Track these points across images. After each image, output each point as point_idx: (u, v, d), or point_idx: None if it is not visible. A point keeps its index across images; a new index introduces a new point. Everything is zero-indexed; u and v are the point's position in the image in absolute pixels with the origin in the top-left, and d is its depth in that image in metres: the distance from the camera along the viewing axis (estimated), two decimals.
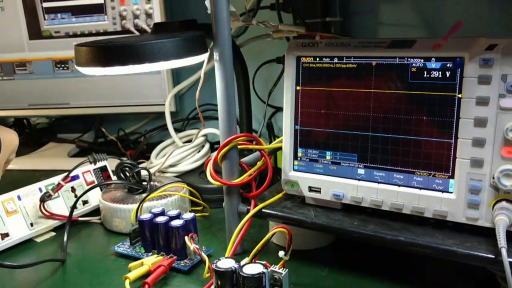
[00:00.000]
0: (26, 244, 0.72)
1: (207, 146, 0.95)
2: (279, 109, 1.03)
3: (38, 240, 0.74)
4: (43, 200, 0.73)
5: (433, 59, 0.53)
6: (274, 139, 1.00)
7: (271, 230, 0.55)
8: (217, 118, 1.08)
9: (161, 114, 1.12)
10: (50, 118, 1.31)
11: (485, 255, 0.49)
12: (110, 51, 0.55)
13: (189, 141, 0.97)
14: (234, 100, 0.61)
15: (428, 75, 0.53)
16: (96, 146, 1.18)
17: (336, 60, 0.59)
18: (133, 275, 0.58)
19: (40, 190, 0.75)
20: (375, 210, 0.59)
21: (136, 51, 0.55)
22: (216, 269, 0.50)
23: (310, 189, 0.62)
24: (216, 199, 0.81)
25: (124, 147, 1.14)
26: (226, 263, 0.50)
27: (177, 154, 0.90)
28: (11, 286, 0.62)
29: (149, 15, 1.01)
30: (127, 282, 0.57)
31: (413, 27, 0.85)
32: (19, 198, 0.73)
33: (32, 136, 1.28)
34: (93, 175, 0.84)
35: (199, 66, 1.01)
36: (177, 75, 1.09)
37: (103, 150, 1.11)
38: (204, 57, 0.61)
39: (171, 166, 0.90)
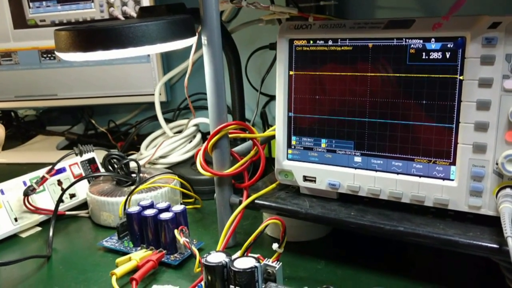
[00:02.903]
0: (11, 239, 0.70)
1: (198, 136, 0.92)
2: (273, 98, 1.00)
3: (23, 235, 0.71)
4: (26, 194, 0.70)
5: (433, 39, 0.50)
6: (268, 128, 0.97)
7: (264, 221, 0.53)
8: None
9: (152, 105, 1.09)
10: (37, 110, 1.28)
11: (489, 245, 0.47)
12: (91, 35, 0.52)
13: (181, 131, 0.94)
14: (224, 86, 0.58)
15: (427, 57, 0.51)
16: (86, 138, 1.15)
17: (330, 42, 0.56)
18: (120, 271, 0.55)
19: (25, 183, 0.73)
20: (372, 199, 0.56)
21: (119, 35, 0.52)
22: (206, 263, 0.47)
23: (305, 178, 0.59)
24: (208, 190, 0.78)
25: (115, 139, 1.11)
26: (216, 257, 0.48)
27: (167, 144, 0.87)
28: None
29: (137, 2, 0.98)
30: (113, 279, 0.54)
31: (412, 10, 0.82)
32: (2, 192, 0.70)
33: (20, 129, 1.24)
34: (80, 167, 0.81)
35: (190, 54, 0.98)
36: (167, 64, 1.06)
37: (92, 142, 1.08)
38: (191, 41, 0.58)
39: (161, 157, 0.87)
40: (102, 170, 0.83)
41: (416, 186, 0.53)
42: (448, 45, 0.49)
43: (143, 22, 0.52)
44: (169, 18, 0.55)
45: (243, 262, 0.46)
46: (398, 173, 0.54)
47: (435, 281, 0.53)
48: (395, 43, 0.52)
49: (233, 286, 0.46)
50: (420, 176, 0.53)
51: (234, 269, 0.46)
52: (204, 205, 0.77)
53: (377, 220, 0.53)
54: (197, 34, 0.60)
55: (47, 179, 0.72)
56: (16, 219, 0.70)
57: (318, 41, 0.56)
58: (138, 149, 0.98)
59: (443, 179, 0.52)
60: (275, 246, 0.54)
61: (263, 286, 0.47)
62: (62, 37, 0.53)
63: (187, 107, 1.10)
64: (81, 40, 0.52)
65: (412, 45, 0.51)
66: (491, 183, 0.49)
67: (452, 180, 0.51)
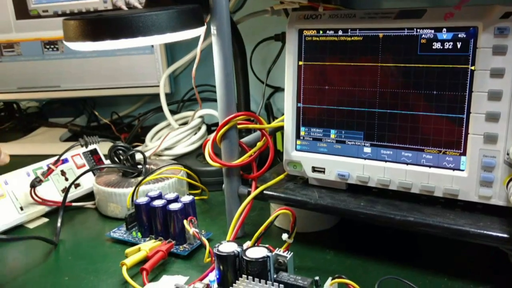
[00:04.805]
0: (18, 230, 0.70)
1: (203, 128, 0.92)
2: (278, 89, 1.00)
3: (30, 226, 0.71)
4: (33, 185, 0.70)
5: (445, 29, 0.50)
6: (273, 120, 0.97)
7: (274, 212, 0.53)
8: (213, 99, 1.05)
9: (155, 96, 1.09)
10: (40, 101, 1.27)
11: (499, 234, 0.47)
12: (100, 24, 0.52)
13: (185, 123, 0.94)
14: (233, 77, 0.58)
15: (438, 47, 0.51)
16: (89, 130, 1.15)
17: (340, 32, 0.56)
18: (130, 261, 0.55)
19: (28, 174, 0.73)
20: (381, 190, 0.57)
21: (129, 24, 0.51)
22: (218, 253, 0.47)
23: (314, 169, 0.59)
24: (214, 182, 0.78)
25: (118, 130, 1.11)
26: (228, 247, 0.48)
27: (173, 136, 0.87)
28: (1, 272, 0.59)
29: None
30: (124, 269, 0.54)
31: (418, 1, 0.82)
32: (5, 182, 0.70)
33: (22, 121, 1.24)
34: (83, 158, 0.81)
35: (193, 45, 0.98)
36: (171, 55, 1.06)
37: (96, 134, 1.08)
38: (200, 31, 0.58)
39: (166, 149, 0.87)
40: (104, 160, 0.83)
41: (426, 176, 0.53)
42: (460, 35, 0.49)
43: (153, 12, 0.52)
44: (179, 7, 0.54)
45: (255, 252, 0.47)
46: (407, 164, 0.54)
47: (443, 270, 0.54)
48: (406, 33, 0.52)
49: (245, 276, 0.46)
50: (430, 166, 0.53)
51: (246, 258, 0.46)
52: (210, 196, 0.77)
53: (386, 210, 0.53)
54: (205, 24, 0.59)
55: (53, 170, 0.72)
56: (21, 208, 0.70)
57: (328, 31, 0.56)
58: (142, 141, 0.98)
59: (453, 169, 0.52)
60: (285, 236, 0.54)
61: (274, 276, 0.47)
62: (71, 27, 0.53)
63: (190, 98, 1.10)
64: (91, 30, 0.52)
65: (423, 35, 0.51)
66: (501, 173, 0.49)
67: (463, 170, 0.51)
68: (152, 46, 1.00)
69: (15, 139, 1.15)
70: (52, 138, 1.13)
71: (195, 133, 0.91)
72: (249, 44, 0.91)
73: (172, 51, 1.07)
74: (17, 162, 0.92)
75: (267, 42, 0.95)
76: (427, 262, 0.56)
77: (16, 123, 1.24)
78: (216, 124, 1.01)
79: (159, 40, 0.54)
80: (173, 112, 1.01)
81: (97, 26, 0.52)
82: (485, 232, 0.48)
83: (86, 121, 1.21)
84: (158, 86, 0.99)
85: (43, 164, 0.74)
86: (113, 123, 1.13)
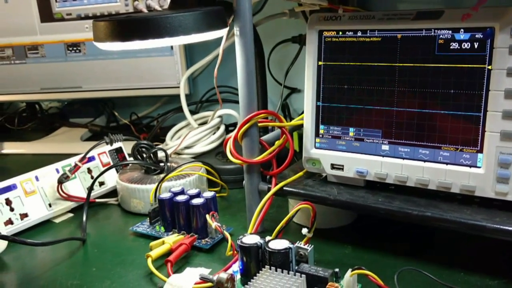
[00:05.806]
0: (45, 225, 0.72)
1: (222, 127, 0.94)
2: (295, 90, 1.02)
3: (56, 221, 0.73)
4: (60, 181, 0.73)
5: (462, 30, 0.51)
6: (290, 121, 0.98)
7: (295, 206, 0.55)
8: (231, 101, 1.07)
9: (174, 98, 1.11)
10: (62, 102, 1.30)
11: None
12: (129, 25, 0.54)
13: (204, 123, 0.96)
14: (254, 76, 0.60)
15: (456, 47, 0.52)
16: (108, 130, 1.18)
17: (359, 33, 0.57)
18: (155, 253, 0.57)
19: (57, 171, 0.75)
20: (398, 187, 0.58)
21: (156, 25, 0.53)
22: (242, 244, 0.49)
23: (333, 166, 0.61)
24: (232, 179, 0.80)
25: (137, 131, 1.13)
26: (251, 238, 0.50)
27: (192, 135, 0.90)
28: (31, 265, 0.62)
29: None
30: (149, 260, 0.56)
31: (434, 4, 0.83)
32: (37, 178, 0.72)
33: (44, 121, 1.27)
34: (108, 156, 0.83)
35: (211, 47, 1.00)
36: (190, 57, 1.08)
37: (116, 133, 1.11)
38: (223, 32, 0.60)
39: (186, 147, 0.89)
40: (129, 159, 0.85)
41: (443, 173, 0.54)
42: (477, 36, 0.51)
43: (179, 13, 0.54)
44: (204, 9, 0.57)
45: (277, 244, 0.48)
46: (425, 161, 0.55)
47: (460, 265, 0.55)
48: (424, 34, 0.54)
49: (268, 266, 0.48)
50: (447, 163, 0.54)
51: (269, 250, 0.48)
52: (229, 194, 0.79)
53: (404, 206, 0.55)
54: (228, 25, 0.62)
55: (79, 167, 0.75)
56: (50, 205, 0.72)
57: (347, 32, 0.58)
58: (161, 141, 1.00)
59: (470, 166, 0.53)
60: (304, 230, 0.55)
61: (296, 267, 0.49)
62: (101, 27, 0.55)
63: (209, 99, 1.12)
64: (120, 30, 0.54)
65: (441, 36, 0.53)
66: None
67: (479, 167, 0.52)
68: (172, 48, 1.02)
69: (37, 138, 1.18)
70: (73, 138, 1.16)
71: (214, 133, 0.93)
72: (266, 46, 0.93)
73: (191, 54, 1.09)
74: (40, 160, 0.95)
75: (284, 44, 0.97)
76: (443, 257, 0.57)
77: (38, 123, 1.27)
78: (234, 125, 1.03)
79: (184, 40, 0.56)
80: (191, 113, 1.04)
81: (126, 26, 0.54)
82: (501, 227, 0.49)
83: (105, 122, 1.24)
84: (178, 87, 1.01)
85: (72, 161, 0.76)
86: (132, 123, 1.16)
